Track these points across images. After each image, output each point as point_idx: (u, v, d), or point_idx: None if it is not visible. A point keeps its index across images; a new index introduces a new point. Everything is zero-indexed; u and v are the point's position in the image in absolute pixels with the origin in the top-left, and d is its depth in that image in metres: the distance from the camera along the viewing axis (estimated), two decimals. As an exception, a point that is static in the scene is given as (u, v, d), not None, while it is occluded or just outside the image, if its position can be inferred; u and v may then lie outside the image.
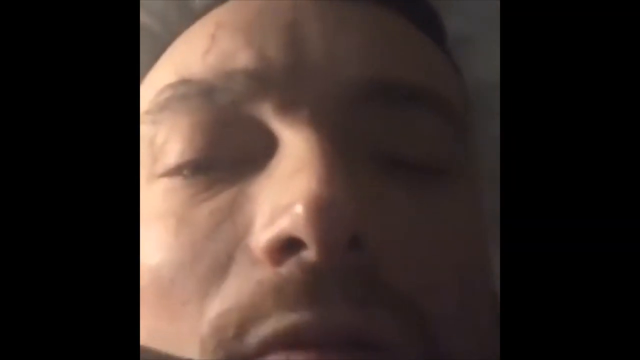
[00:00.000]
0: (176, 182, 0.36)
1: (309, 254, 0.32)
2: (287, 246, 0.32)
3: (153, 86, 0.38)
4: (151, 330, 0.33)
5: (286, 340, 0.31)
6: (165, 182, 0.36)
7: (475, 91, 0.45)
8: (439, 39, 0.43)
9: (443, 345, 0.33)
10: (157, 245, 0.35)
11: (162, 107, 0.37)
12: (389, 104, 0.36)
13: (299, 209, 0.31)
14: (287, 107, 0.35)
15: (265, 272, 0.32)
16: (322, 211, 0.31)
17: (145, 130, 0.37)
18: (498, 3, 0.33)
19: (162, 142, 0.36)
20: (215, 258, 0.33)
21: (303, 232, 0.31)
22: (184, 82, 0.37)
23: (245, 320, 0.32)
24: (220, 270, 0.33)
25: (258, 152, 0.35)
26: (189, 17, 0.42)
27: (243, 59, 0.36)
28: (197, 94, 0.36)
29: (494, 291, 0.38)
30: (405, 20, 0.40)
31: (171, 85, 0.37)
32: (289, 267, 0.32)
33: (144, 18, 0.45)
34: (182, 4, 0.48)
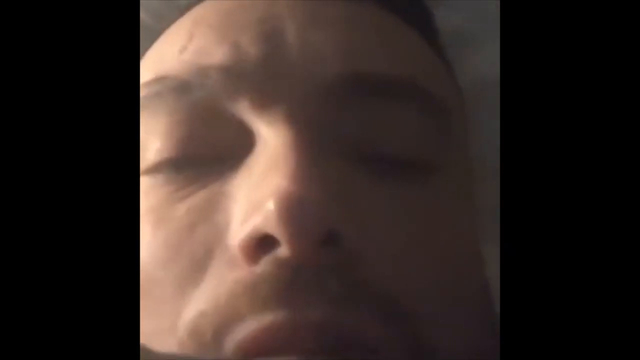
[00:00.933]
0: (156, 180, 0.35)
1: (283, 250, 0.31)
2: (261, 244, 0.32)
3: None
4: None
5: (263, 342, 0.31)
6: (145, 180, 0.36)
7: (475, 88, 0.45)
8: (428, 33, 0.43)
9: (427, 344, 0.33)
10: None
11: (140, 105, 0.36)
12: (367, 98, 0.36)
13: (270, 205, 0.31)
14: (263, 103, 0.35)
15: (241, 272, 0.32)
16: (293, 207, 0.31)
17: None
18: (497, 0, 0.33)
19: (142, 140, 0.36)
20: (193, 256, 0.33)
21: (275, 229, 0.31)
22: (160, 79, 0.37)
23: (222, 323, 0.32)
24: (198, 269, 0.33)
25: (236, 149, 0.35)
26: (176, 13, 0.42)
27: (218, 55, 0.36)
28: (172, 91, 0.36)
29: (485, 287, 0.38)
30: (388, 14, 0.40)
31: (147, 84, 0.37)
32: (263, 265, 0.32)
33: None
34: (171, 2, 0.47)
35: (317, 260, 0.31)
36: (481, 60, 0.46)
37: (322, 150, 0.34)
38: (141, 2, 0.46)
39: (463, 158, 0.39)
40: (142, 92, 0.37)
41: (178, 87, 0.36)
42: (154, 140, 0.36)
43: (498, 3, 0.32)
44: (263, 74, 0.35)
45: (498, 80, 0.32)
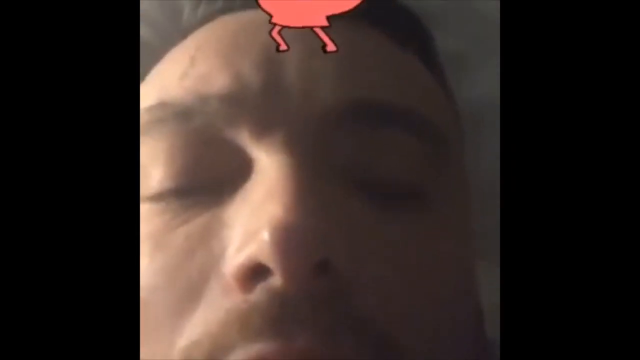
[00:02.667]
0: (156, 207, 0.35)
1: (275, 280, 0.31)
2: (256, 273, 0.32)
3: None
4: None
5: None
6: (146, 207, 0.36)
7: (474, 109, 0.45)
8: (428, 58, 0.43)
9: None
10: None
11: (143, 131, 0.36)
12: (366, 127, 0.36)
13: (265, 235, 0.31)
14: (262, 130, 0.35)
15: (235, 300, 0.32)
16: (287, 237, 0.31)
17: None
18: (494, 21, 0.33)
19: (144, 167, 0.36)
20: (188, 283, 0.33)
21: (268, 258, 0.31)
22: (161, 105, 0.37)
23: (213, 351, 0.32)
24: (193, 296, 0.33)
25: (235, 176, 0.35)
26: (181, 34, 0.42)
27: (219, 82, 0.36)
28: (173, 117, 0.36)
29: (478, 315, 0.38)
30: (388, 40, 0.40)
31: (149, 109, 0.37)
32: (257, 294, 0.32)
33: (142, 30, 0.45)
34: (176, 20, 0.47)
35: (310, 291, 0.31)
36: (480, 82, 0.46)
37: (319, 178, 0.34)
38: (144, 19, 0.46)
39: (460, 183, 0.39)
40: (145, 118, 0.37)
41: (179, 114, 0.36)
42: (155, 167, 0.36)
43: (497, 25, 0.33)
44: (263, 102, 0.35)
45: (497, 101, 0.32)
